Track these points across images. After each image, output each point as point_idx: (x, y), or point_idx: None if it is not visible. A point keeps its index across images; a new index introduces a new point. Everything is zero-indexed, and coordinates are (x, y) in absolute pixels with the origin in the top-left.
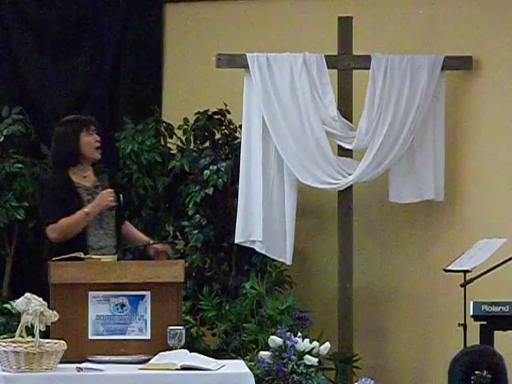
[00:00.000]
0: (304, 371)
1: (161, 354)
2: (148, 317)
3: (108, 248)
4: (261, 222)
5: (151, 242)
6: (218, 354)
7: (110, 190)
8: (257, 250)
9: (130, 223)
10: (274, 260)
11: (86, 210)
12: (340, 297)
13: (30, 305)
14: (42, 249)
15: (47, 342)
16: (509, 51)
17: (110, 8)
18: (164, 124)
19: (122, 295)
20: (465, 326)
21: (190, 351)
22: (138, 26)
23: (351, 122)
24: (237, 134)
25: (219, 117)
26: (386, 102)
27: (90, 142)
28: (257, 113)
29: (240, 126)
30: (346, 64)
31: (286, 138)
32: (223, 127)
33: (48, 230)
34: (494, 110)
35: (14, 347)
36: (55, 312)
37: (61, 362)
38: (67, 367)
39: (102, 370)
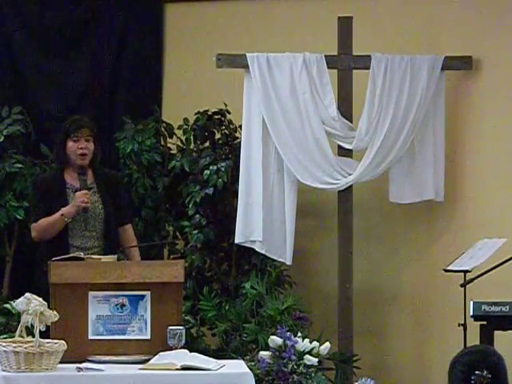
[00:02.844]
0: (304, 371)
1: (161, 353)
2: (148, 317)
3: (94, 250)
4: (261, 221)
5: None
6: (218, 354)
7: (84, 191)
8: (257, 250)
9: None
10: (274, 260)
11: (62, 210)
12: (340, 297)
13: (29, 305)
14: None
15: (47, 342)
16: (509, 51)
17: (110, 8)
18: (164, 124)
19: (121, 295)
20: (465, 326)
21: (190, 351)
22: (138, 26)
23: (351, 122)
24: (237, 134)
25: (219, 117)
26: (386, 101)
27: (72, 148)
28: (257, 113)
29: (240, 126)
30: (346, 64)
31: (286, 138)
32: (223, 127)
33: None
34: (494, 110)
35: (14, 347)
36: (55, 312)
37: (61, 362)
38: (67, 367)
39: (102, 370)
